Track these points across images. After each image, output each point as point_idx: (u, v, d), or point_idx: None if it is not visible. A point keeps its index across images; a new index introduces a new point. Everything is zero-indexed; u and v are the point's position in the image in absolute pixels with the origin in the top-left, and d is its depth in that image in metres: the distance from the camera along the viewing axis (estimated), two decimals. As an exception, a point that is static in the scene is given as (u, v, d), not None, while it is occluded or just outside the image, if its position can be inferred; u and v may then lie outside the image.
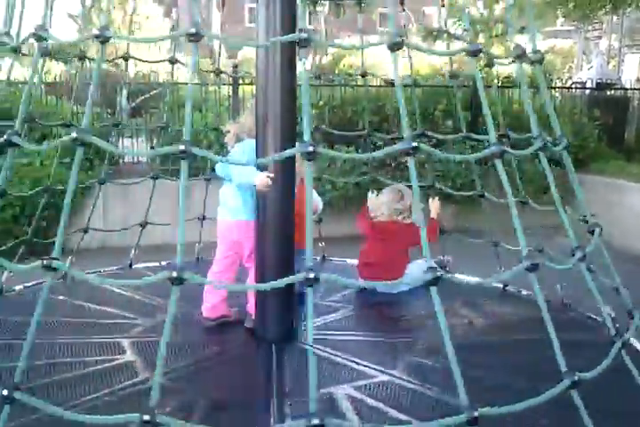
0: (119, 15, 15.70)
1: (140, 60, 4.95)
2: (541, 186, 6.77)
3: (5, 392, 1.91)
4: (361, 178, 6.42)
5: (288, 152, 2.14)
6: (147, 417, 1.83)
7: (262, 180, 3.15)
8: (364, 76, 5.05)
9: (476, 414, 1.92)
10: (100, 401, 2.70)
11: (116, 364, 3.08)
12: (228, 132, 3.68)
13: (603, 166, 8.87)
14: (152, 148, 7.93)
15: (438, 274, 1.93)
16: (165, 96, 9.15)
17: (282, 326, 3.38)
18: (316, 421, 1.79)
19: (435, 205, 4.45)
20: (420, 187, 4.98)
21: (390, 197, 4.39)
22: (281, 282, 2.02)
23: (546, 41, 21.59)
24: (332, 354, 3.27)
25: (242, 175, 3.29)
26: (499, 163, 2.17)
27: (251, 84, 8.60)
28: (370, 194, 4.51)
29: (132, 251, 4.77)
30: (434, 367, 3.17)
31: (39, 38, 2.33)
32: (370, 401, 2.82)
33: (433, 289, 1.97)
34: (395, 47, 2.03)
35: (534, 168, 7.59)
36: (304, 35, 1.94)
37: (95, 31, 2.13)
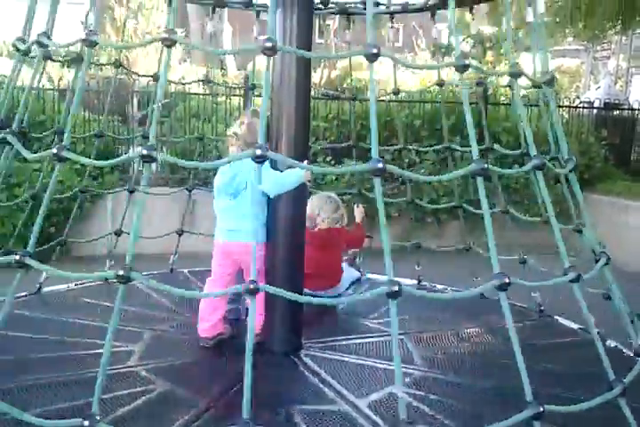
0: (131, 24, 15.75)
1: (128, 70, 5.03)
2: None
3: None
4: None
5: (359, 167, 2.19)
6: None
7: (307, 173, 3.06)
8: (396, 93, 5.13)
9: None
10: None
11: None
12: (235, 135, 3.35)
13: (609, 186, 8.90)
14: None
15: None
16: (176, 106, 9.25)
17: (290, 338, 3.43)
18: None
19: (359, 211, 4.69)
20: (348, 194, 5.09)
21: (330, 207, 4.51)
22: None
23: (554, 60, 21.68)
24: (355, 359, 3.40)
25: (283, 181, 3.09)
26: (479, 181, 2.20)
27: (260, 95, 8.66)
28: None
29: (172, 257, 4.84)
30: (446, 359, 3.45)
31: (41, 45, 2.47)
32: (432, 396, 2.97)
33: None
34: (463, 69, 2.19)
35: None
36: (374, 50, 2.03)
37: (82, 35, 2.23)
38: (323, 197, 4.66)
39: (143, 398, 2.88)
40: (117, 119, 8.35)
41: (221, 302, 3.54)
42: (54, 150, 2.20)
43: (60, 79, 8.17)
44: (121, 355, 3.33)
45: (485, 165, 2.17)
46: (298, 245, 3.36)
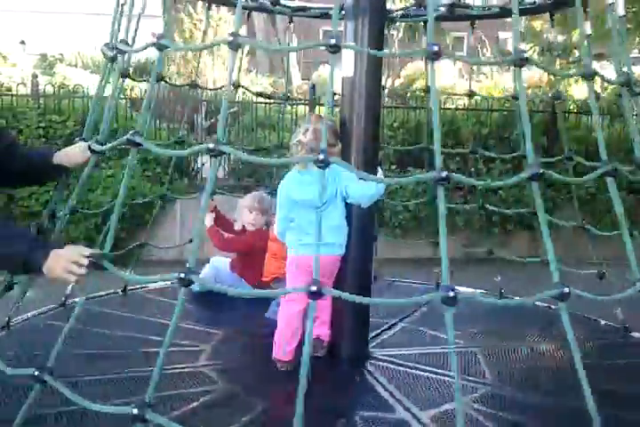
0: (199, 34, 16.11)
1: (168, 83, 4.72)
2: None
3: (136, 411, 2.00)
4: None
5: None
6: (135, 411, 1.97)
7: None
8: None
9: None
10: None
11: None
12: (300, 143, 3.13)
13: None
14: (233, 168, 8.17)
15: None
16: (241, 115, 9.39)
17: (358, 343, 3.40)
18: None
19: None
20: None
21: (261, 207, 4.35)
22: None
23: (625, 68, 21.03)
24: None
25: (373, 191, 2.99)
26: (535, 186, 2.13)
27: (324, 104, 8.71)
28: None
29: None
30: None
31: (120, 52, 2.59)
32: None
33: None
34: (520, 64, 2.13)
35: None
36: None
37: (153, 40, 2.28)
38: (256, 197, 4.42)
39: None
40: (185, 128, 8.53)
41: (300, 322, 3.22)
42: (129, 136, 2.24)
43: (132, 89, 8.39)
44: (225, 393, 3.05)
45: (541, 171, 2.07)
46: (368, 254, 3.36)
